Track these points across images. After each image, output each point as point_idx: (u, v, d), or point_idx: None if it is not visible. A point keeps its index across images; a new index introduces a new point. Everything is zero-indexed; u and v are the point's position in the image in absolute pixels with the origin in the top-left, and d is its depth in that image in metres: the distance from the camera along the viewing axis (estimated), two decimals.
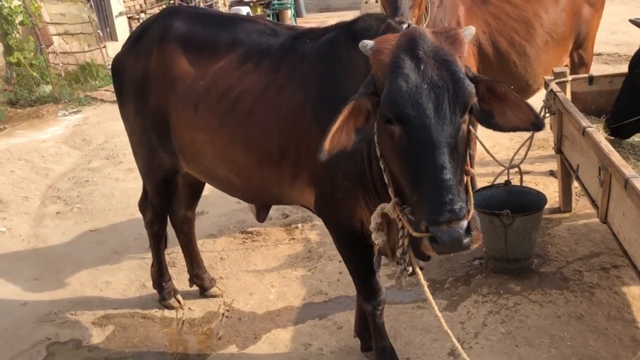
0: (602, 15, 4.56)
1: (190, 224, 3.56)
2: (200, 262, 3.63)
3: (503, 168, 3.73)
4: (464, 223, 1.69)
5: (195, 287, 3.64)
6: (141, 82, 3.03)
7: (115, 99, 9.23)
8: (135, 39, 3.17)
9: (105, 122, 7.49)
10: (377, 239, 2.14)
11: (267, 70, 2.62)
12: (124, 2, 12.33)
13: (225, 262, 4.02)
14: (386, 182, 2.02)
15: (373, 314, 2.69)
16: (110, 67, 9.88)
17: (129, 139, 3.32)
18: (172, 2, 12.81)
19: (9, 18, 8.63)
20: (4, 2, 8.59)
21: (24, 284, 3.96)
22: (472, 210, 1.79)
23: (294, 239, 4.24)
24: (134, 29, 12.10)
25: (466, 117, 1.77)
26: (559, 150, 3.80)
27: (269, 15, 13.54)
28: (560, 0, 4.26)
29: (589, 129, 3.04)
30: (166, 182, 3.24)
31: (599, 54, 8.52)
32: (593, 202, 3.08)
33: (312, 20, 14.24)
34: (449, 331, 2.17)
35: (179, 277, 3.80)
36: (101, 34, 10.64)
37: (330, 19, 11.40)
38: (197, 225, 3.69)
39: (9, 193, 5.40)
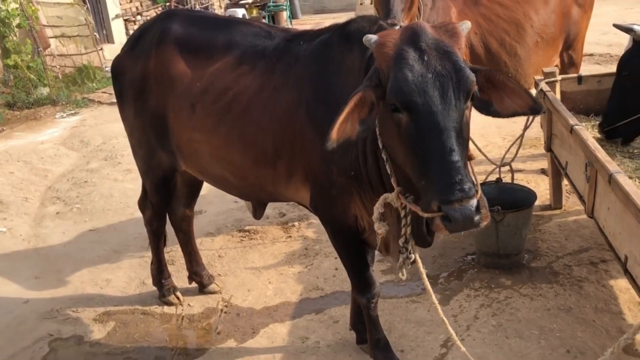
0: (591, 16, 4.65)
1: (189, 222, 3.63)
2: (199, 259, 3.71)
3: (495, 166, 3.83)
4: (474, 201, 1.77)
5: (194, 284, 3.72)
6: (140, 83, 3.10)
7: (112, 101, 9.26)
8: (134, 41, 3.24)
9: (102, 124, 7.56)
10: (380, 228, 2.20)
11: (262, 71, 2.70)
12: (120, 4, 12.39)
13: (224, 259, 4.10)
14: (388, 172, 2.09)
15: (367, 307, 2.77)
16: (107, 69, 9.99)
17: (128, 140, 3.39)
18: (167, 4, 12.88)
19: (6, 21, 8.69)
20: (1, 5, 8.65)
21: (25, 282, 4.03)
22: (480, 190, 1.87)
23: (290, 236, 4.32)
24: (130, 31, 12.19)
25: (469, 103, 1.87)
26: (548, 148, 3.90)
27: (264, 17, 13.63)
28: (550, 2, 4.36)
29: (576, 126, 3.13)
30: (165, 181, 3.31)
31: (590, 55, 8.64)
32: (581, 197, 3.17)
33: (308, 22, 14.33)
34: (444, 319, 2.26)
35: (178, 274, 3.87)
36: (98, 36, 10.71)
37: (326, 21, 11.48)
38: (195, 224, 3.76)
39: (9, 194, 5.46)
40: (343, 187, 2.48)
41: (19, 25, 8.89)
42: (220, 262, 4.07)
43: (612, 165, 2.63)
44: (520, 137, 3.87)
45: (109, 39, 12.08)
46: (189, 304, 3.60)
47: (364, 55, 2.31)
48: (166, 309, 3.58)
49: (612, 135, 3.46)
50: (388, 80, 1.86)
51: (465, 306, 3.30)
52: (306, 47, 2.60)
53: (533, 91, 3.95)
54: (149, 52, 3.07)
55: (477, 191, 1.80)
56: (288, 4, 14.87)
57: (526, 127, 3.86)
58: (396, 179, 2.07)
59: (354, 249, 2.69)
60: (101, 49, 10.48)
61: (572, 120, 3.25)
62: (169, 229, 3.61)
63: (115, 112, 7.85)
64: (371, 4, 3.86)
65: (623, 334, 2.86)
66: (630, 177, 3.04)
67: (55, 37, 9.73)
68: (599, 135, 3.59)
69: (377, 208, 2.18)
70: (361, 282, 2.74)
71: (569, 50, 4.54)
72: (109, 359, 3.17)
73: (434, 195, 1.79)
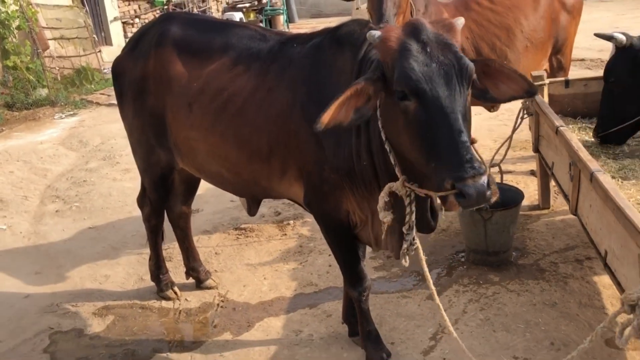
0: (579, 22, 4.78)
1: (186, 219, 3.73)
2: (196, 255, 3.80)
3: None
4: (485, 177, 1.88)
5: (191, 280, 3.81)
6: (139, 83, 3.20)
7: (110, 102, 9.33)
8: (134, 43, 3.34)
9: (101, 125, 7.65)
10: (385, 217, 2.28)
11: (256, 73, 2.80)
12: (119, 7, 12.50)
13: (220, 256, 4.20)
14: (392, 163, 2.19)
15: (359, 300, 2.87)
16: (105, 71, 10.10)
17: (128, 138, 3.49)
18: (165, 7, 12.99)
19: (6, 22, 8.80)
20: (1, 7, 8.75)
21: (26, 277, 4.11)
22: (488, 168, 1.98)
23: (285, 234, 4.43)
24: (128, 34, 12.31)
25: (469, 90, 2.01)
26: (536, 149, 4.01)
27: (261, 21, 13.76)
28: (539, 8, 4.49)
29: (561, 128, 3.25)
30: (163, 178, 3.41)
31: (582, 60, 8.79)
32: (565, 196, 3.29)
33: (304, 26, 14.46)
34: (439, 304, 2.38)
35: (175, 270, 3.97)
36: (96, 38, 10.82)
37: (322, 25, 11.58)
38: (192, 223, 3.85)
39: (9, 192, 5.55)
40: (335, 183, 2.58)
41: (18, 27, 9.00)
42: (216, 259, 4.16)
43: (593, 164, 2.74)
44: (509, 139, 3.99)
45: (107, 41, 12.19)
46: (186, 299, 3.69)
47: (355, 57, 2.42)
48: (164, 303, 3.67)
49: (607, 140, 3.56)
50: (393, 72, 1.98)
51: (455, 301, 3.40)
52: (299, 50, 2.70)
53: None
54: (149, 53, 3.16)
55: (486, 169, 1.92)
56: (285, 8, 15.01)
57: (514, 129, 3.98)
58: (400, 169, 2.18)
59: (346, 243, 2.79)
60: (99, 51, 10.59)
61: (558, 121, 3.37)
62: (167, 226, 3.71)
63: (113, 113, 7.94)
64: (367, 10, 3.97)
65: (605, 327, 2.98)
66: (614, 177, 3.16)
67: (54, 39, 9.84)
68: (585, 138, 3.71)
69: (382, 197, 2.27)
70: (353, 275, 2.84)
71: (558, 55, 4.67)
72: (108, 350, 3.26)
73: (446, 174, 1.89)
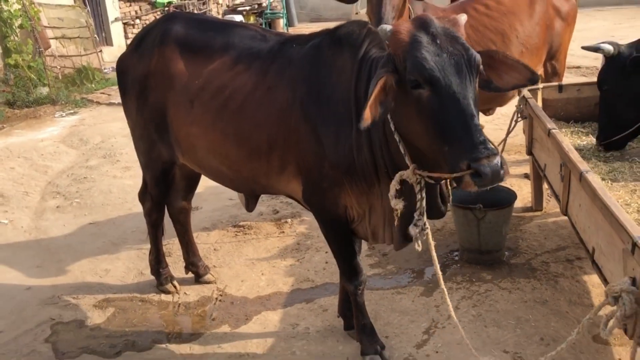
0: (573, 29, 4.88)
1: (186, 214, 3.81)
2: (196, 250, 3.88)
3: None
4: (499, 157, 1.98)
5: (190, 274, 3.89)
6: (143, 81, 3.28)
7: (110, 101, 9.40)
8: (138, 41, 3.42)
9: (101, 124, 7.72)
10: (397, 204, 2.38)
11: (257, 72, 2.88)
12: (120, 8, 12.60)
13: (219, 252, 4.28)
14: (402, 152, 2.29)
15: (355, 294, 2.95)
16: (105, 70, 10.19)
17: (131, 134, 3.57)
18: (166, 9, 13.09)
19: (9, 21, 8.87)
20: (3, 6, 8.83)
21: (27, 270, 4.18)
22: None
23: (283, 232, 4.51)
24: (129, 34, 12.40)
25: (477, 79, 2.11)
26: (529, 152, 4.10)
27: (261, 24, 13.86)
28: (534, 15, 4.59)
29: (553, 130, 3.34)
30: (164, 173, 3.49)
31: (577, 67, 8.91)
32: (557, 196, 3.38)
33: (304, 30, 14.54)
34: (444, 288, 2.50)
35: (175, 265, 4.04)
36: (97, 38, 10.90)
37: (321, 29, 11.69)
38: (192, 219, 3.92)
39: (10, 188, 5.62)
40: (335, 179, 2.65)
41: (21, 26, 9.08)
42: (215, 255, 4.24)
43: (583, 164, 2.84)
44: (503, 141, 4.08)
45: (108, 41, 12.28)
46: (185, 293, 3.77)
47: (355, 57, 2.51)
48: (163, 296, 3.74)
49: (610, 147, 3.65)
50: (404, 64, 2.08)
51: (448, 297, 3.47)
52: (299, 50, 2.79)
53: (517, 98, 4.16)
54: (152, 51, 3.24)
55: (498, 150, 2.02)
56: (285, 11, 15.12)
57: (509, 132, 4.07)
58: (410, 157, 2.27)
59: (343, 238, 2.87)
60: (100, 51, 10.67)
61: (550, 124, 3.46)
62: (167, 221, 3.78)
63: (113, 112, 8.03)
64: (367, 13, 4.06)
65: (593, 324, 3.07)
66: (603, 179, 3.26)
67: (56, 38, 9.92)
68: (577, 142, 3.81)
69: (394, 185, 2.36)
70: (349, 269, 2.92)
71: (552, 61, 4.76)
72: (108, 341, 3.33)
73: (461, 156, 1.98)
